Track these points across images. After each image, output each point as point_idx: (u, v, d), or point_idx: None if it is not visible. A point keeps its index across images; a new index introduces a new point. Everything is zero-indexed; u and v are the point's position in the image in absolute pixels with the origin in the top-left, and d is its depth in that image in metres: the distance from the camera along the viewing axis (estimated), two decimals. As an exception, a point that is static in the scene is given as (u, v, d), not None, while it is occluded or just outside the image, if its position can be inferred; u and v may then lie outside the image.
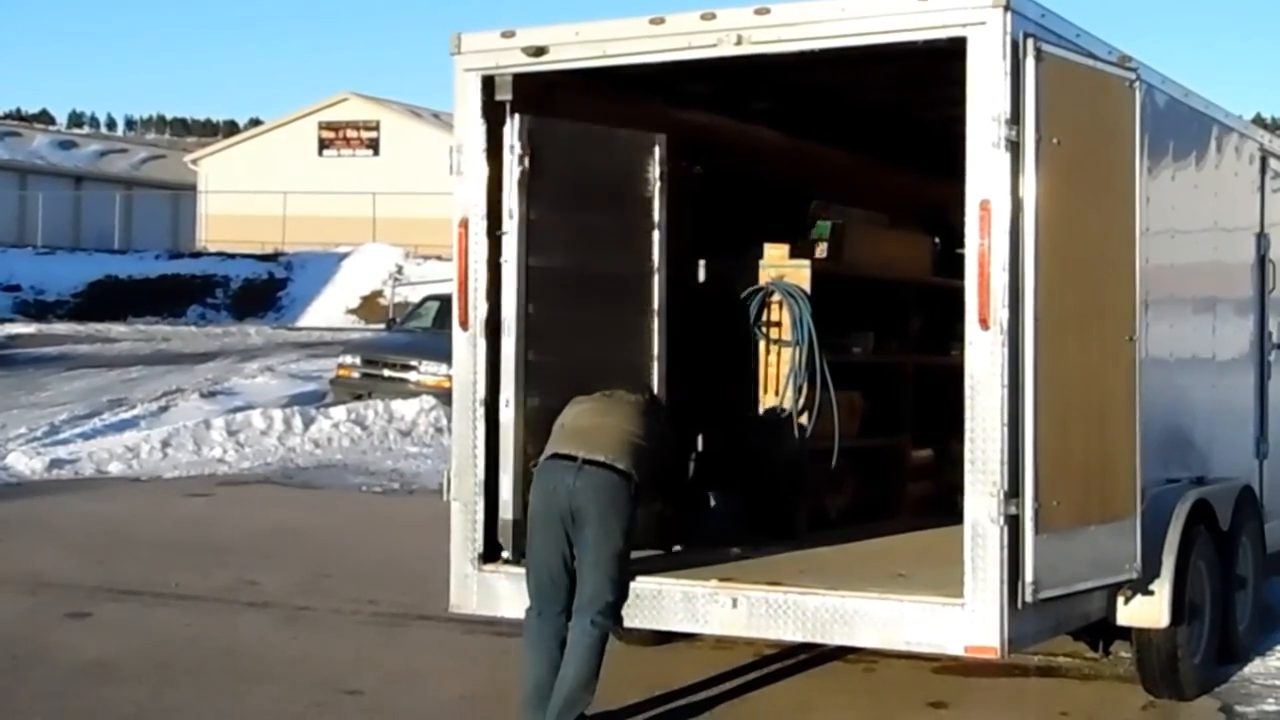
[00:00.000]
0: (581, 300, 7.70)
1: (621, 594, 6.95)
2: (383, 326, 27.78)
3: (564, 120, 7.73)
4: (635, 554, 7.10)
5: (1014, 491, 6.45)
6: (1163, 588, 7.41)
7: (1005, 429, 6.45)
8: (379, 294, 40.50)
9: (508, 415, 7.46)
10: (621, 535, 6.85)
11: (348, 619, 9.93)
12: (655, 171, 8.02)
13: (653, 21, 7.21)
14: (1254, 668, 8.55)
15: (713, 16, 7.07)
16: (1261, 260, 9.84)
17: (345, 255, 43.84)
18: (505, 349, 7.49)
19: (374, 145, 56.34)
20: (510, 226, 7.51)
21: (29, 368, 26.95)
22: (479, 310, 7.60)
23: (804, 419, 8.75)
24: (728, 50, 7.07)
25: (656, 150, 8.01)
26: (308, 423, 19.47)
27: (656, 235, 8.03)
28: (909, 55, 7.03)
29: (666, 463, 7.43)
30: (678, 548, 8.16)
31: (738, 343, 8.99)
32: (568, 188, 7.65)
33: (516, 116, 7.49)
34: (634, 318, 7.97)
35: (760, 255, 8.98)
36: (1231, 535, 8.46)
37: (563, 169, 7.63)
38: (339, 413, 19.95)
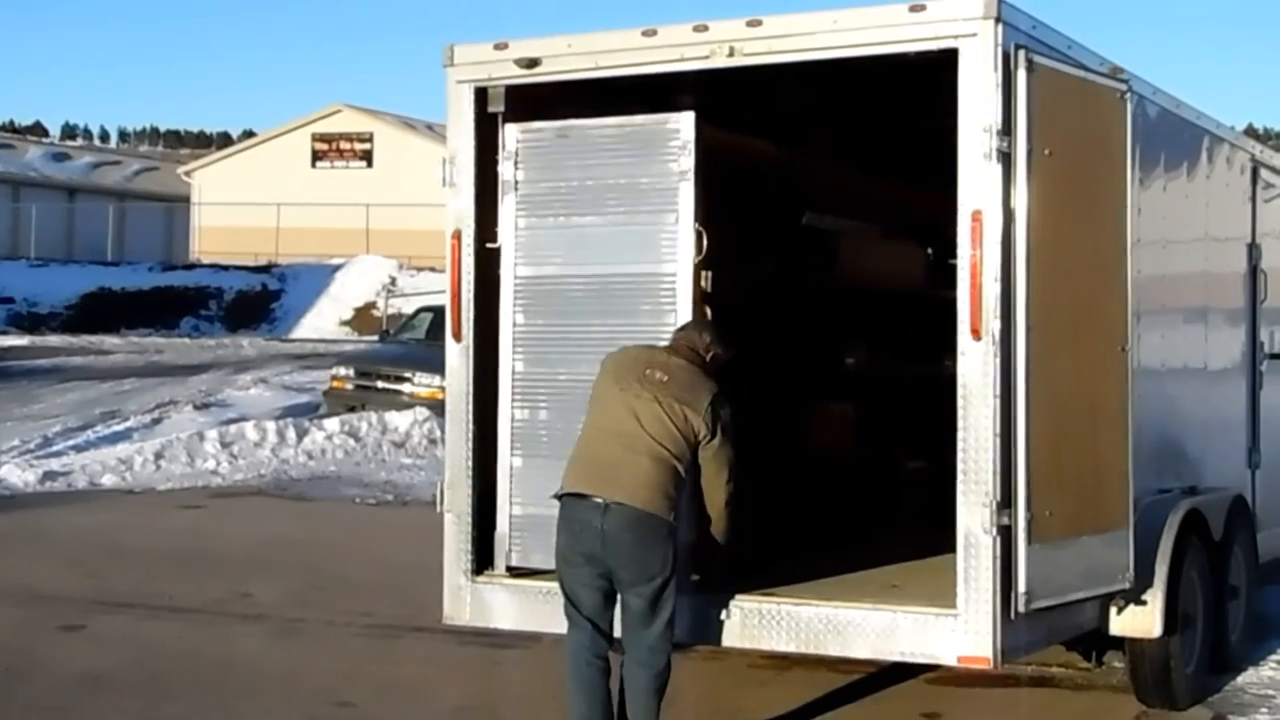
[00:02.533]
0: (581, 310, 7.59)
1: (669, 623, 6.56)
2: (376, 338, 27.79)
3: (561, 121, 7.52)
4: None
5: (1006, 502, 6.46)
6: (1155, 598, 7.42)
7: (997, 439, 6.45)
8: (372, 305, 40.51)
9: (504, 427, 7.46)
10: (662, 568, 6.44)
11: (341, 631, 9.93)
12: (677, 160, 7.24)
13: (645, 33, 7.22)
14: (1247, 677, 8.56)
15: (705, 28, 7.08)
16: (1253, 270, 9.86)
17: (339, 267, 43.84)
18: (503, 361, 7.50)
19: (367, 157, 56.35)
20: (503, 237, 7.52)
21: (22, 380, 26.93)
22: (472, 322, 7.60)
23: (797, 431, 8.77)
24: (720, 62, 7.08)
25: (680, 133, 7.25)
26: (301, 434, 19.46)
27: (680, 232, 7.20)
28: (901, 67, 7.04)
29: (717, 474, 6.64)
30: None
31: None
32: (563, 193, 7.53)
33: (508, 126, 7.49)
34: (647, 325, 7.20)
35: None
36: (1224, 545, 8.47)
37: (558, 173, 7.53)
38: (332, 424, 19.94)
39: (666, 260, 7.21)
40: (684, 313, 7.12)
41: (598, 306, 7.40)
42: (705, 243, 7.17)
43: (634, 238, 7.32)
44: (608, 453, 6.52)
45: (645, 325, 7.20)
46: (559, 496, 6.64)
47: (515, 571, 7.42)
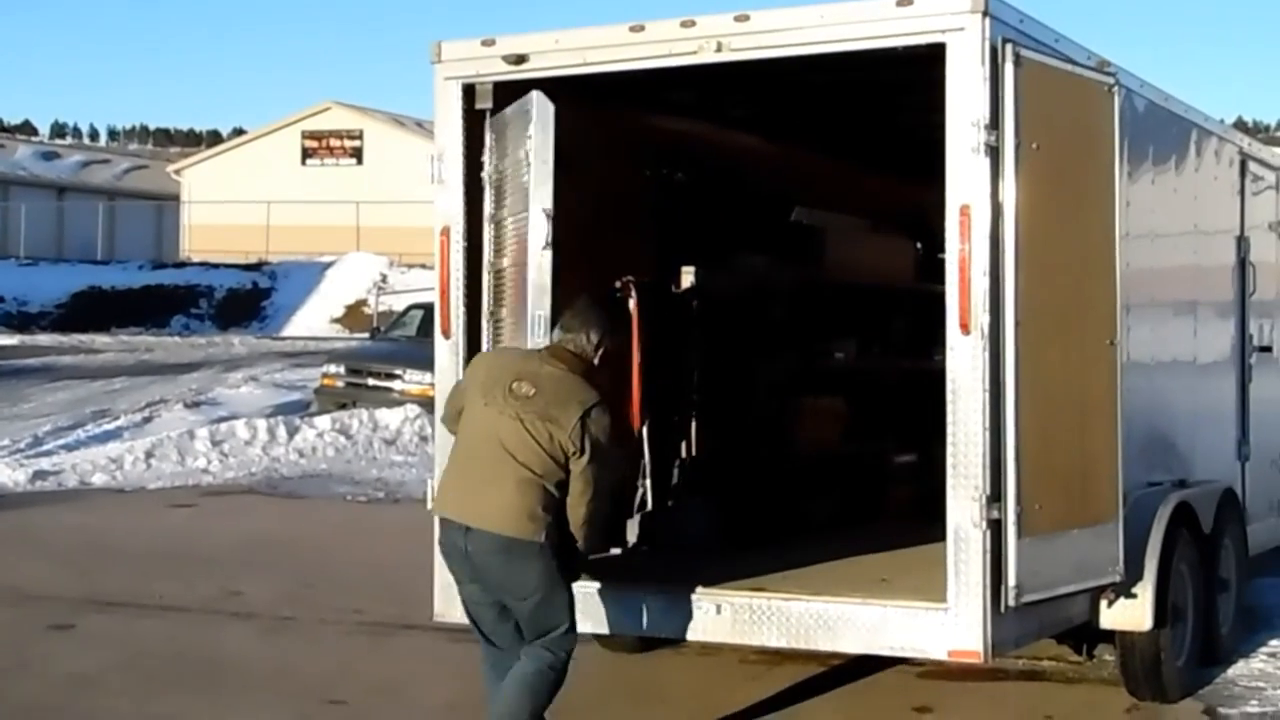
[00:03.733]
0: (512, 303, 7.43)
1: (570, 643, 6.38)
2: (367, 335, 27.77)
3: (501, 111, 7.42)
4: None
5: (996, 496, 6.45)
6: (1145, 591, 7.42)
7: (987, 433, 6.45)
8: (363, 303, 40.49)
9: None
10: (536, 587, 6.24)
11: (332, 629, 9.91)
12: (525, 144, 7.11)
13: (633, 29, 7.21)
14: (1237, 669, 8.56)
15: (693, 24, 7.06)
16: (1242, 263, 9.87)
17: (329, 264, 43.82)
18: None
19: (357, 154, 56.30)
20: (486, 232, 7.54)
21: (12, 379, 26.88)
22: (461, 318, 7.59)
23: (783, 426, 8.77)
24: (708, 57, 7.06)
25: (530, 114, 7.08)
26: (292, 432, 19.44)
27: (530, 219, 7.03)
28: (889, 61, 7.04)
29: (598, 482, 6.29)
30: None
31: (719, 350, 9.01)
32: (503, 183, 7.47)
33: (487, 122, 7.49)
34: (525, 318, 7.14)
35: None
36: (1214, 538, 8.48)
37: (500, 164, 7.49)
38: (323, 422, 19.92)
39: (532, 249, 7.10)
40: (534, 305, 6.99)
41: (518, 299, 7.34)
42: (550, 230, 6.94)
43: (521, 227, 7.27)
44: (472, 474, 6.30)
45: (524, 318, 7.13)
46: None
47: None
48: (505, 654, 6.46)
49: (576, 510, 6.27)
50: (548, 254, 6.94)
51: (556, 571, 6.28)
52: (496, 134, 7.53)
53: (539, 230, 6.99)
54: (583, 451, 6.19)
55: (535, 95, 7.08)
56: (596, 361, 6.46)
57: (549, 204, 6.96)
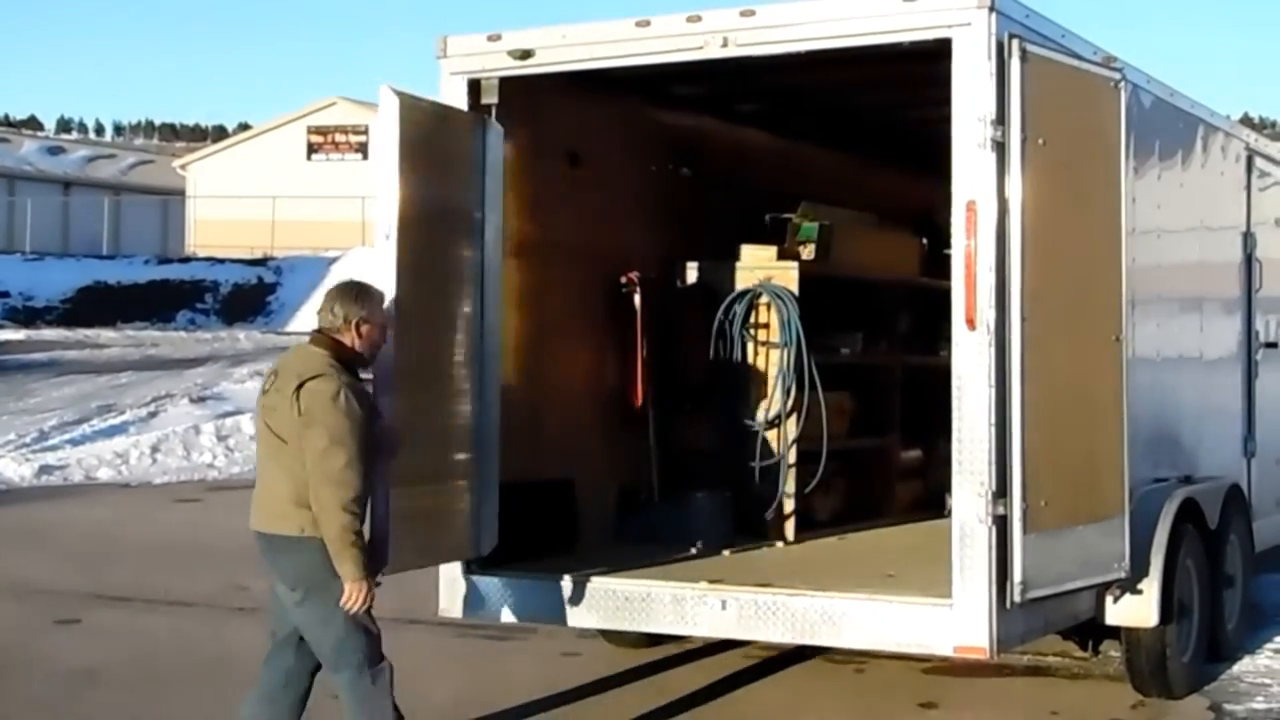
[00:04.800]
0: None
1: (356, 641, 6.03)
2: (372, 331, 27.69)
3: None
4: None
5: (1002, 491, 6.44)
6: (1151, 587, 7.42)
7: (993, 429, 6.44)
8: (368, 298, 40.43)
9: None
10: (294, 583, 5.97)
11: (337, 623, 9.90)
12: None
13: (639, 24, 7.20)
14: (1243, 666, 8.56)
15: (698, 19, 7.06)
16: (1248, 259, 9.86)
17: (335, 259, 43.75)
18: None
19: (363, 149, 56.21)
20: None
21: (18, 374, 26.89)
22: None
23: (791, 421, 8.77)
24: (714, 52, 7.06)
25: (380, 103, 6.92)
26: (297, 427, 19.43)
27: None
28: (895, 56, 7.03)
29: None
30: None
31: (725, 344, 9.00)
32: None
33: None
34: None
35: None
36: (1220, 534, 8.47)
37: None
38: (328, 417, 19.90)
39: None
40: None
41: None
42: (396, 222, 6.73)
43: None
44: (260, 468, 6.15)
45: None
46: None
47: (515, 565, 7.42)
48: (277, 648, 6.24)
49: (312, 488, 5.82)
50: (390, 244, 6.76)
51: (328, 569, 5.86)
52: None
53: (383, 222, 6.80)
54: (304, 421, 5.82)
55: (382, 90, 6.94)
56: (354, 341, 6.05)
57: (394, 200, 6.75)
